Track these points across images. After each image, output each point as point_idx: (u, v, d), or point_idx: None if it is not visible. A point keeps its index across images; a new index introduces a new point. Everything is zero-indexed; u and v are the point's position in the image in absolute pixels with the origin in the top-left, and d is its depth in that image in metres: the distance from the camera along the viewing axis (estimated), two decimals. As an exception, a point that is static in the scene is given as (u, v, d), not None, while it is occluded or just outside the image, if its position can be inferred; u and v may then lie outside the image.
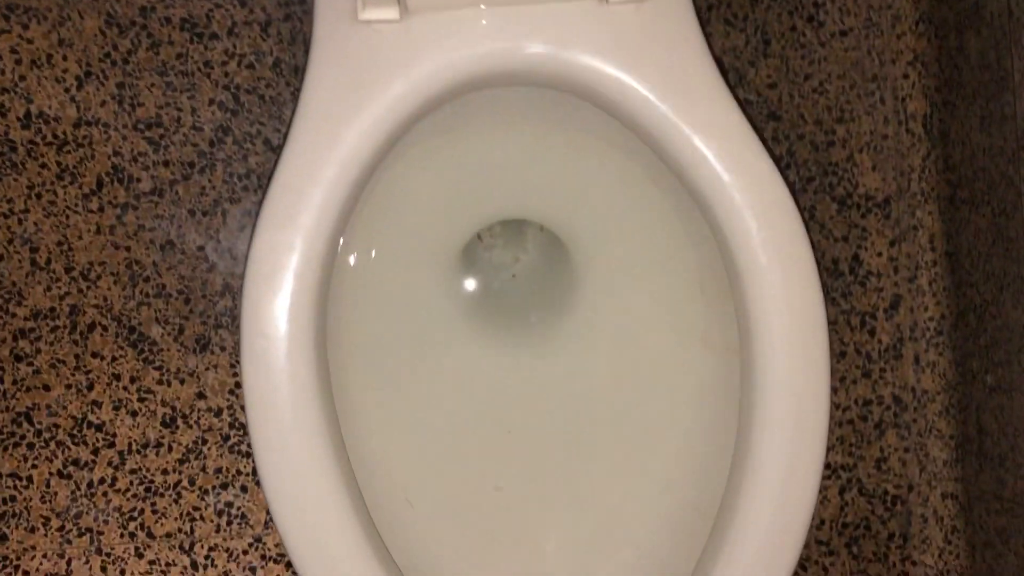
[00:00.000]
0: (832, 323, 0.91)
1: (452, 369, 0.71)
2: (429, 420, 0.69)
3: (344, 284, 0.66)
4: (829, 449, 0.91)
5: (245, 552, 0.88)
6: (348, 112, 0.59)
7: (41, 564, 0.87)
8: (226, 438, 0.88)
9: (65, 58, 0.86)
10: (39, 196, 0.86)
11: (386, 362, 0.68)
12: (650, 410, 0.68)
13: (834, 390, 0.91)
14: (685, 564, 0.62)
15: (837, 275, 0.91)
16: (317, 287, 0.58)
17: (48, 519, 0.87)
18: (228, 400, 0.88)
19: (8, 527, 0.87)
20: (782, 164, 0.90)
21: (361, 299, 0.68)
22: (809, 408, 0.59)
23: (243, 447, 0.88)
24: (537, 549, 0.68)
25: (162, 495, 0.87)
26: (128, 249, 0.87)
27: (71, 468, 0.87)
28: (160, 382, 0.87)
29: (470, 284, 0.74)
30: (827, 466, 0.91)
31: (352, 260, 0.67)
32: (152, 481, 0.87)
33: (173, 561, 0.88)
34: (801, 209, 0.89)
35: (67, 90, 0.86)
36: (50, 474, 0.87)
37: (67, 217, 0.86)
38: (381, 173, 0.65)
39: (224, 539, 0.88)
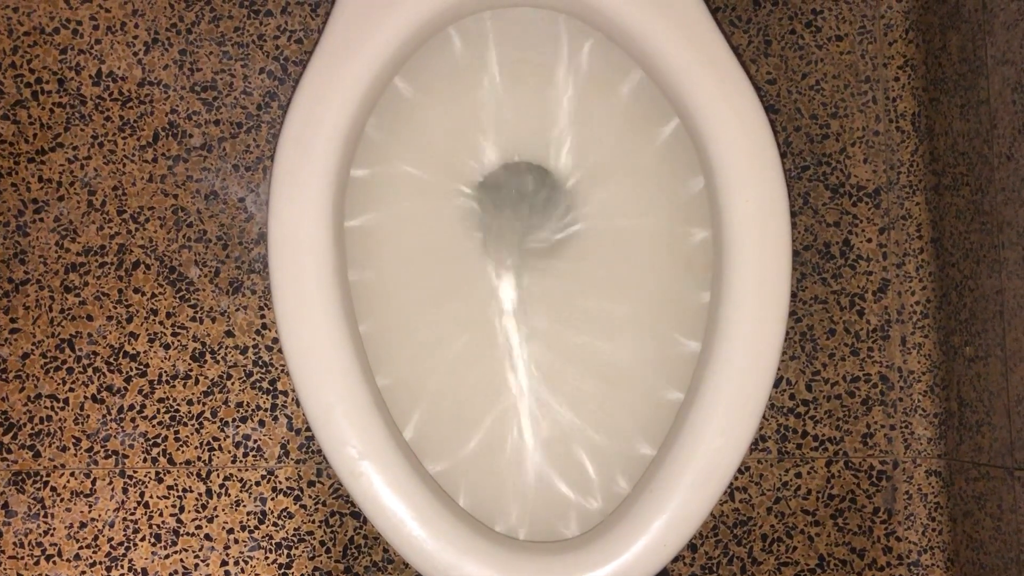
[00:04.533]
0: (822, 302, 0.96)
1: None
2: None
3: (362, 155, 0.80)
4: (817, 422, 0.95)
5: (257, 484, 0.93)
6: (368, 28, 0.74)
7: (68, 482, 0.93)
8: (249, 374, 0.94)
9: (136, 26, 0.97)
10: (101, 145, 0.96)
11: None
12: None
13: (823, 366, 0.95)
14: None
15: (828, 257, 0.96)
16: (343, 149, 0.69)
17: (79, 440, 0.93)
18: (254, 339, 0.94)
19: (42, 444, 0.93)
20: (779, 152, 0.97)
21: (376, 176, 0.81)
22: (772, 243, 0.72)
23: (264, 384, 0.94)
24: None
25: (185, 424, 0.94)
26: (176, 197, 0.95)
27: (104, 393, 0.94)
28: (193, 319, 0.94)
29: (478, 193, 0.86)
30: (814, 438, 0.95)
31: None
32: (177, 410, 0.94)
33: (190, 488, 0.93)
34: (790, 187, 0.96)
35: (135, 54, 0.96)
36: (85, 398, 0.94)
37: (124, 165, 0.96)
38: (392, 99, 0.78)
39: (239, 469, 0.93)
